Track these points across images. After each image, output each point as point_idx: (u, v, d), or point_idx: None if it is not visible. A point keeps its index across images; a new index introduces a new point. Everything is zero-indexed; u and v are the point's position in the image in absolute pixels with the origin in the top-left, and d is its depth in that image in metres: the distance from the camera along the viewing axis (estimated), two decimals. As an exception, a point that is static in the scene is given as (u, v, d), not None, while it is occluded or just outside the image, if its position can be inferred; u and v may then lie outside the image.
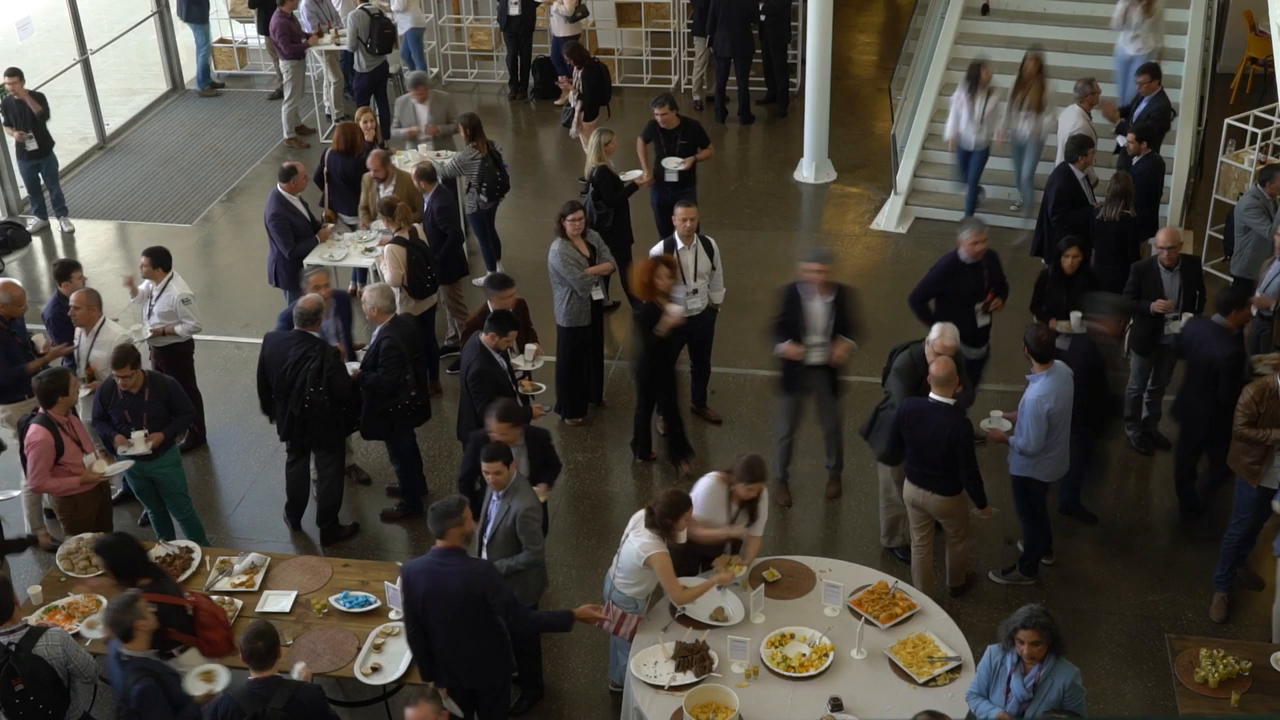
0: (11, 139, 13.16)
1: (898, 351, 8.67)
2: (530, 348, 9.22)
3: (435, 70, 16.62)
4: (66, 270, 9.56)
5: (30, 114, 12.86)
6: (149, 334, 9.63)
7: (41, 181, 13.45)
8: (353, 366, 9.09)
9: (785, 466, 9.63)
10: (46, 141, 13.16)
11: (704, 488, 7.55)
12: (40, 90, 13.44)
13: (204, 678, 6.67)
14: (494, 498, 7.36)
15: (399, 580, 7.04)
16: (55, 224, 13.69)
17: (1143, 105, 11.60)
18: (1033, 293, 9.62)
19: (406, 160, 12.06)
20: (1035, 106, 12.18)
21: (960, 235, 9.33)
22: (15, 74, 12.83)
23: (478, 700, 7.12)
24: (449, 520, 6.70)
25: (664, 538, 7.10)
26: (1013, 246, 12.24)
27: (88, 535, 8.08)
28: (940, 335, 8.27)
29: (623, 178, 11.41)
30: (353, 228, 11.44)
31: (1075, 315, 9.05)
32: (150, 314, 9.69)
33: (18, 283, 9.39)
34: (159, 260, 9.65)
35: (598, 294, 10.06)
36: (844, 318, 9.02)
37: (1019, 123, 12.28)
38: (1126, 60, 12.99)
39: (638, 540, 7.13)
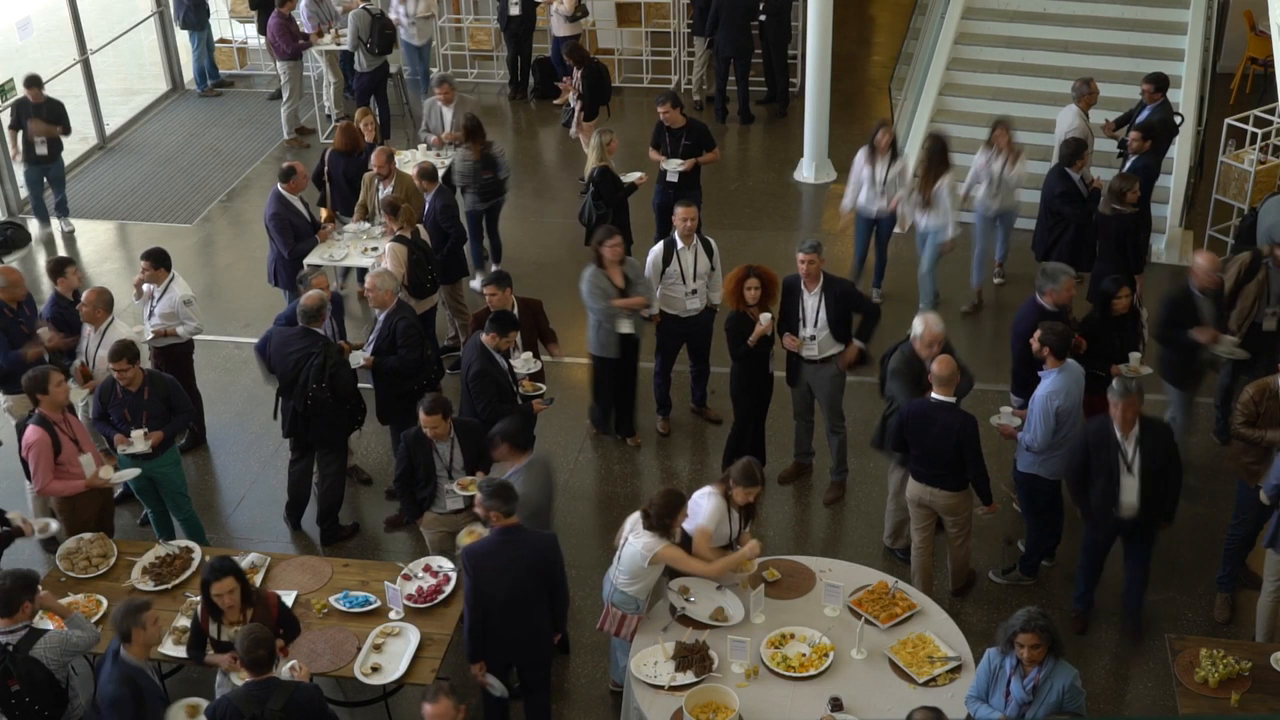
0: (12, 142, 13.09)
1: (887, 356, 8.63)
2: (525, 355, 9.19)
3: (435, 70, 16.60)
4: (60, 267, 9.56)
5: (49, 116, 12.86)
6: (150, 335, 9.63)
7: (46, 185, 13.36)
8: (362, 355, 9.09)
9: (799, 448, 9.73)
10: (56, 146, 13.10)
11: (707, 507, 7.38)
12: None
13: (188, 711, 6.70)
14: (509, 472, 7.56)
15: (461, 566, 7.20)
16: (55, 224, 13.68)
17: (1145, 113, 11.54)
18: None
19: (406, 161, 12.06)
20: (924, 200, 10.93)
21: (1049, 285, 8.72)
22: (35, 83, 12.81)
23: (522, 677, 7.27)
24: (516, 494, 6.93)
25: (664, 537, 7.11)
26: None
27: (87, 535, 8.09)
28: (926, 327, 8.25)
29: (623, 179, 11.40)
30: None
31: (1135, 356, 8.73)
32: (152, 315, 9.69)
33: (16, 268, 9.36)
34: (160, 261, 9.65)
35: (625, 327, 9.61)
36: (839, 310, 8.98)
37: (913, 213, 11.11)
38: (992, 217, 11.49)
39: (639, 542, 7.12)
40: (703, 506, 7.38)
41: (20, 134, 12.95)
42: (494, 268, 11.95)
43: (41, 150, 12.98)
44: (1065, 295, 8.74)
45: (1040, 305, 8.76)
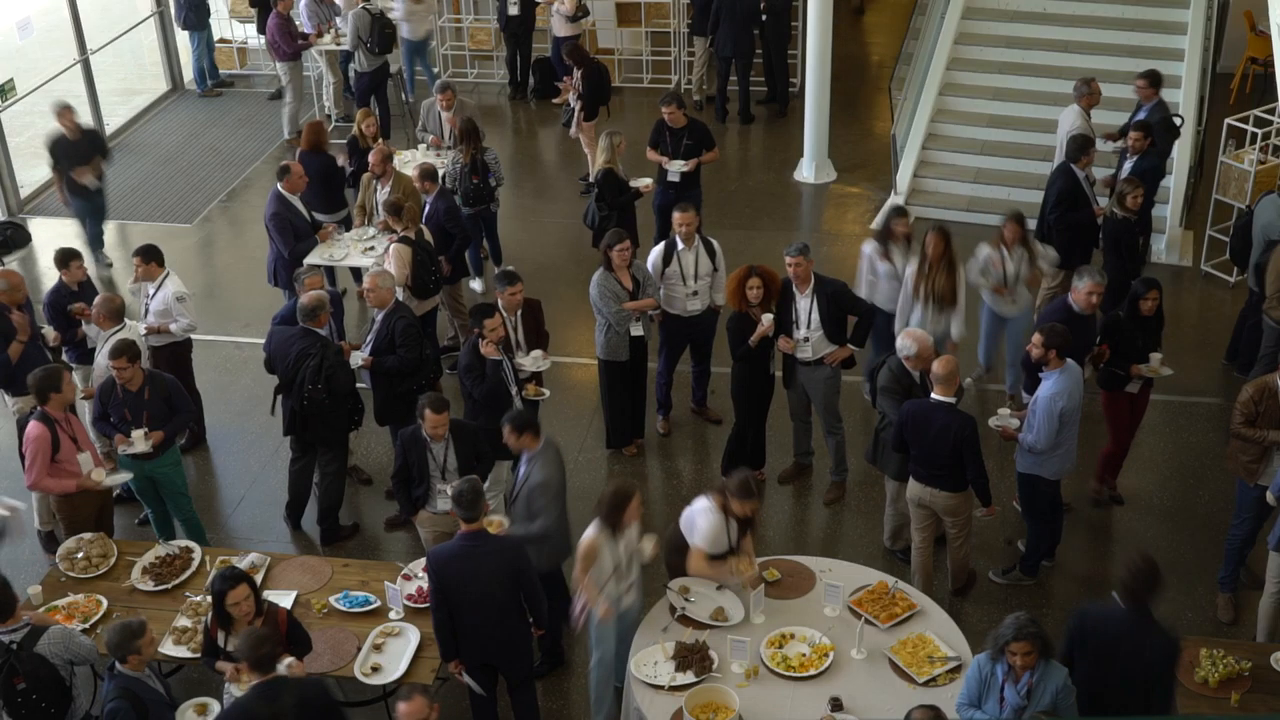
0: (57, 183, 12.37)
1: (875, 371, 8.61)
2: (536, 353, 9.17)
3: (436, 70, 16.60)
4: (66, 259, 9.57)
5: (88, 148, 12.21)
6: (144, 331, 9.61)
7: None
8: (361, 356, 9.08)
9: (799, 448, 9.72)
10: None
11: (703, 525, 7.32)
12: (41, 90, 13.35)
13: (197, 710, 6.73)
14: (524, 458, 7.62)
15: (427, 568, 7.12)
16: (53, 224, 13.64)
17: (1141, 114, 11.50)
18: (1099, 334, 8.94)
19: (406, 161, 12.07)
20: (945, 298, 9.43)
21: (1077, 284, 8.67)
22: (69, 112, 12.08)
23: (505, 676, 7.28)
24: (481, 502, 6.89)
25: (607, 528, 7.09)
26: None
27: (87, 535, 8.09)
28: (921, 345, 8.23)
29: (631, 183, 11.37)
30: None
31: (1155, 356, 8.75)
32: (146, 312, 9.69)
33: (17, 270, 9.34)
34: (150, 256, 9.63)
35: (637, 330, 9.55)
36: (831, 311, 8.97)
37: (921, 316, 9.46)
38: (999, 322, 10.10)
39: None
40: (699, 524, 7.31)
41: (64, 175, 12.14)
42: (496, 269, 11.93)
43: (96, 185, 12.32)
44: (1083, 301, 8.69)
45: (1069, 305, 8.76)
